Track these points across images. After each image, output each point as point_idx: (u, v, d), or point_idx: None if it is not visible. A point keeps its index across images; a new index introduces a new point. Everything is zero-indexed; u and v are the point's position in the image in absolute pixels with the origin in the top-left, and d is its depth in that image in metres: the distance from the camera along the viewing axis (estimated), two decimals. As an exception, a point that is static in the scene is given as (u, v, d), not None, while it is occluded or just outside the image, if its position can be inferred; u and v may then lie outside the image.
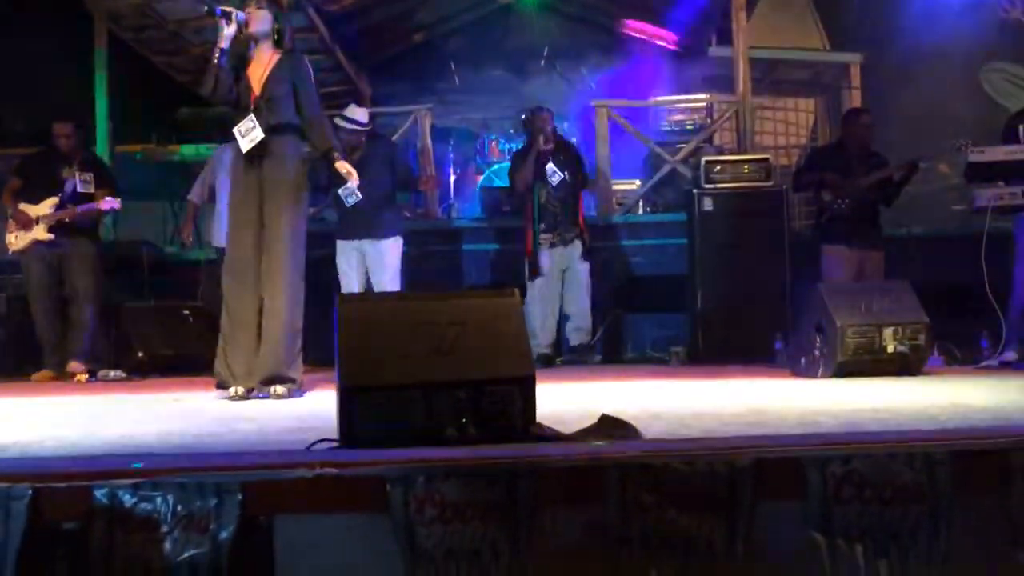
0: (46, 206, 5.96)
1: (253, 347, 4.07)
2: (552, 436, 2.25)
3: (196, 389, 4.82)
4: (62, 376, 5.87)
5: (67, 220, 5.96)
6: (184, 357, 6.13)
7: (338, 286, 5.87)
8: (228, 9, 4.11)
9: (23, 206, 5.98)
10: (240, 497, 1.92)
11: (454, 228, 7.42)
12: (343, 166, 4.29)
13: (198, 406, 3.87)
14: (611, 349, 6.88)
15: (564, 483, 1.97)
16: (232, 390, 4.04)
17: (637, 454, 1.99)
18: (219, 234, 5.89)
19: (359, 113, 6.07)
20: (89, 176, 6.07)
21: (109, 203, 5.92)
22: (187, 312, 6.45)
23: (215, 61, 4.12)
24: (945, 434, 2.18)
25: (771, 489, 1.97)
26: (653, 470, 1.96)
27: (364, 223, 5.83)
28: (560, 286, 6.37)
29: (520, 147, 6.80)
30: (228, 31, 4.09)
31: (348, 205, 5.70)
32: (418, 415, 2.22)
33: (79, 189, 6.01)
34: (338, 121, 5.89)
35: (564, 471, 1.97)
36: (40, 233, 5.95)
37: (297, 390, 4.13)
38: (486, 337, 2.32)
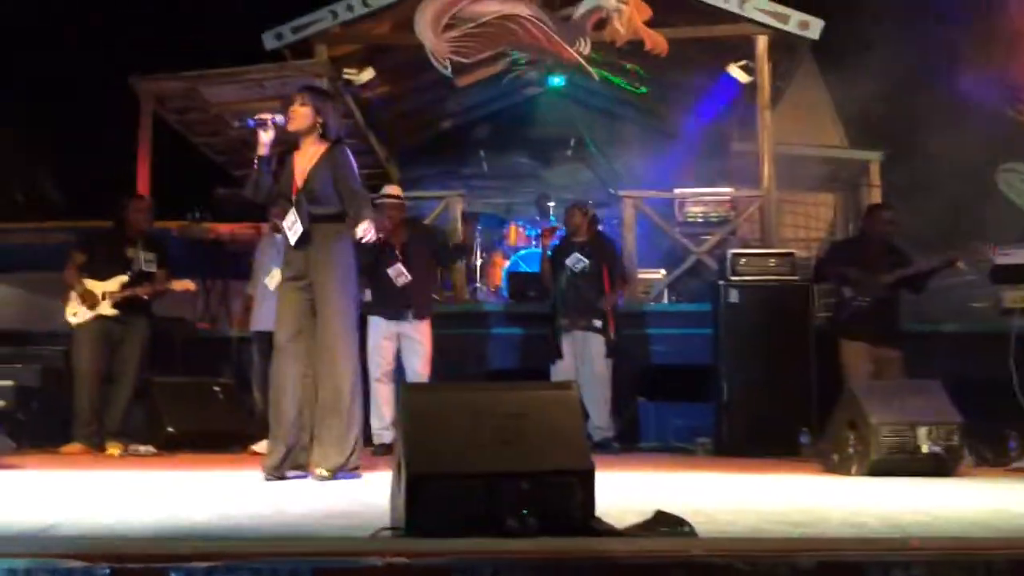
0: (115, 283, 5.93)
1: (292, 428, 4.09)
2: (611, 531, 2.28)
3: (227, 467, 4.87)
4: (91, 450, 5.83)
5: (144, 297, 5.96)
6: (213, 433, 6.20)
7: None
8: (263, 117, 4.08)
9: (88, 283, 5.94)
10: (311, 583, 1.97)
11: (481, 312, 7.50)
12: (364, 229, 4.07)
13: (238, 486, 3.89)
14: (631, 437, 6.88)
15: (629, 580, 2.00)
16: (270, 467, 4.06)
17: (701, 554, 2.03)
18: (259, 318, 6.03)
19: (393, 189, 6.48)
20: (152, 256, 6.08)
21: (183, 285, 5.97)
22: (217, 388, 6.52)
23: (254, 167, 4.13)
24: (1002, 542, 2.21)
25: (832, 592, 2.00)
26: (716, 570, 2.00)
27: (403, 303, 6.01)
28: (578, 374, 6.35)
29: (556, 243, 6.92)
30: (266, 138, 4.07)
31: (399, 286, 5.97)
32: (480, 504, 2.26)
33: (143, 268, 6.02)
34: (379, 201, 6.08)
35: (628, 568, 2.01)
36: (106, 309, 5.91)
37: (349, 472, 4.07)
38: (547, 429, 2.37)
